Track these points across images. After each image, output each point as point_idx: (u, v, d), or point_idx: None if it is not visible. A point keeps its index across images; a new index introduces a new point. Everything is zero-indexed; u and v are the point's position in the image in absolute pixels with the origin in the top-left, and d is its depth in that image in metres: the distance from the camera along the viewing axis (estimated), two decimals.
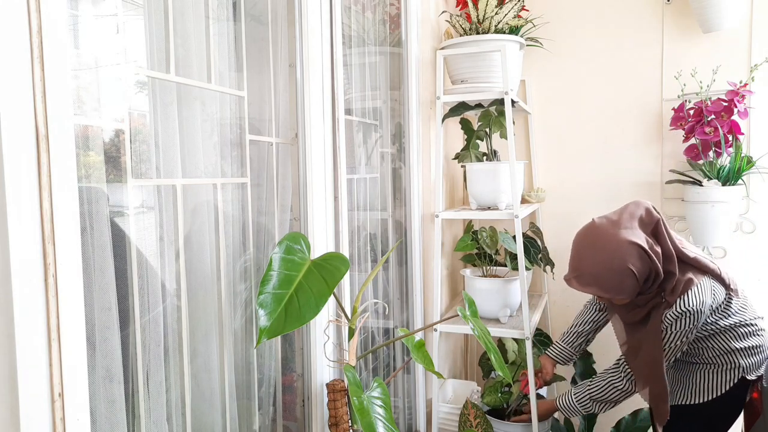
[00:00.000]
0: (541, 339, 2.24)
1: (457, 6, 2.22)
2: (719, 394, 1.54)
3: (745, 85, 2.05)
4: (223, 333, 1.15)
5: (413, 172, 2.05)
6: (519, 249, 1.92)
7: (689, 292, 1.45)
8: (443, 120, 2.07)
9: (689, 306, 1.44)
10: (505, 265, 2.13)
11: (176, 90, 1.04)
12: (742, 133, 2.06)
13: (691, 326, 1.46)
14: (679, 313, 1.45)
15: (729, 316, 1.53)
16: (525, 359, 2.00)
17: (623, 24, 2.36)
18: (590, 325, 1.87)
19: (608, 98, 2.41)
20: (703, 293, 1.45)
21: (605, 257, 1.44)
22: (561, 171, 2.51)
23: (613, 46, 2.38)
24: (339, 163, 1.48)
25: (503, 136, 2.02)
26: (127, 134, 0.92)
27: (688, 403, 1.57)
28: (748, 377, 1.53)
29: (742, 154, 2.04)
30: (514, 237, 1.98)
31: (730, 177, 2.05)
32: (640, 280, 1.44)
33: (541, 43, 2.41)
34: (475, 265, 2.21)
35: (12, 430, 0.68)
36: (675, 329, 1.47)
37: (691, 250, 1.54)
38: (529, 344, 1.91)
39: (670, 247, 1.49)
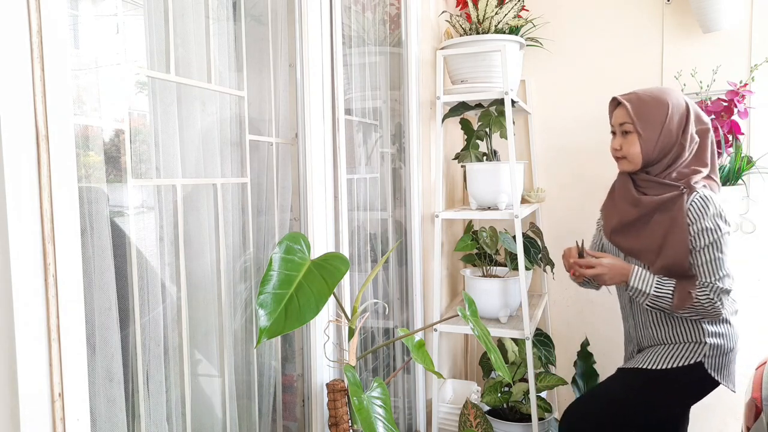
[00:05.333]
0: (541, 339, 2.24)
1: (457, 6, 2.22)
2: (676, 365, 1.53)
3: (745, 85, 2.05)
4: (223, 333, 1.15)
5: (413, 172, 2.04)
6: (519, 249, 1.92)
7: (707, 191, 1.52)
8: (443, 120, 2.07)
9: (712, 197, 1.49)
10: (505, 265, 2.13)
11: (176, 90, 1.04)
12: (742, 133, 2.06)
13: (719, 210, 1.47)
14: (704, 197, 1.48)
15: None
16: (525, 359, 2.00)
17: (623, 24, 2.36)
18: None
19: (608, 97, 2.40)
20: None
21: (658, 90, 1.58)
22: (561, 171, 2.51)
23: (613, 46, 2.38)
24: (339, 163, 1.48)
25: (503, 136, 2.02)
26: (127, 134, 0.92)
27: (648, 367, 1.56)
28: (709, 371, 1.51)
29: (742, 154, 2.04)
30: (514, 237, 1.98)
31: (730, 177, 2.05)
32: (665, 133, 1.51)
33: (541, 43, 2.41)
34: (475, 265, 2.21)
35: (12, 430, 0.68)
36: (704, 213, 1.46)
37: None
38: (529, 344, 1.91)
39: (708, 155, 1.56)
